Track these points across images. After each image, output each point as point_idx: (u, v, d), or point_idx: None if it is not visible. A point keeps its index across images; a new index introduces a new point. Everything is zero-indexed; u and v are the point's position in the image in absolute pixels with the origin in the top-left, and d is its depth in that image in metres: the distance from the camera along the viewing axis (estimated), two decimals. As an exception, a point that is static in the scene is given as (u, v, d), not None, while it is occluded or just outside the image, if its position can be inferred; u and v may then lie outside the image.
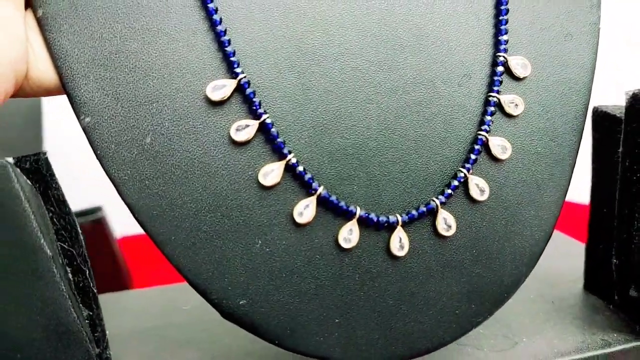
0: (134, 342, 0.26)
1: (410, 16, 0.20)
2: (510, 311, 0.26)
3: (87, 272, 0.18)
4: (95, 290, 0.19)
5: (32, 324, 0.16)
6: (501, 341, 0.24)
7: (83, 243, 0.18)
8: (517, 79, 0.21)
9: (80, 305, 0.18)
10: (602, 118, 0.25)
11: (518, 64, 0.20)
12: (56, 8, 0.18)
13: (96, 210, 0.55)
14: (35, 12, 0.18)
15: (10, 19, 0.17)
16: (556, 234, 0.35)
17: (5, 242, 0.16)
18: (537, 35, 0.21)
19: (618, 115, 0.24)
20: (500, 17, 0.20)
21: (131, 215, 0.18)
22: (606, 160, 0.25)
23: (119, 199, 0.19)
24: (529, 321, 0.27)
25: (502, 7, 0.20)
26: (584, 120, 0.22)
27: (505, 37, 0.20)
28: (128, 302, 0.34)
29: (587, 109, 0.22)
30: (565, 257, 0.33)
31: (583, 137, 0.22)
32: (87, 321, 0.18)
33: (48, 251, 0.16)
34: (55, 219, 0.18)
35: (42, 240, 0.16)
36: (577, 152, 0.22)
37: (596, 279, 0.27)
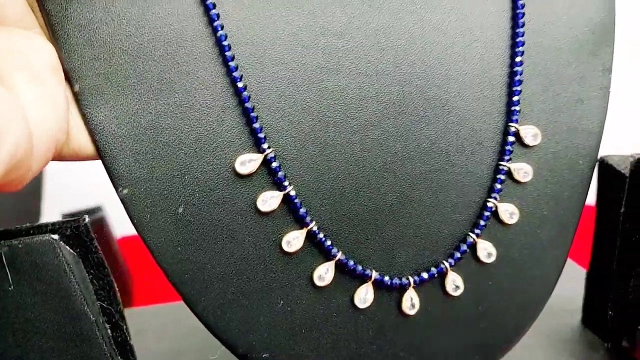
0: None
1: (428, 88, 0.22)
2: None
3: (124, 327, 0.20)
4: (131, 344, 0.21)
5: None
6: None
7: (120, 301, 0.21)
8: (527, 146, 0.22)
9: (120, 358, 0.20)
10: (607, 170, 0.27)
11: (529, 134, 0.22)
12: (92, 83, 0.20)
13: (96, 210, 0.57)
14: (72, 87, 0.20)
15: (54, 90, 0.18)
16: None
17: (53, 310, 0.18)
18: (549, 101, 0.23)
19: (622, 172, 0.26)
20: (514, 88, 0.22)
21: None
22: (609, 209, 0.27)
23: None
24: (526, 357, 0.29)
25: (516, 78, 0.22)
26: (589, 183, 0.24)
27: (517, 108, 0.22)
28: (141, 321, 0.37)
29: (592, 172, 0.24)
30: (564, 283, 0.35)
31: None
32: (125, 373, 0.20)
33: (91, 316, 0.19)
34: (94, 281, 0.20)
35: (86, 307, 0.19)
36: (580, 214, 0.24)
37: (594, 318, 0.30)
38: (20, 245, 0.18)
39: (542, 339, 0.31)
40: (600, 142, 0.24)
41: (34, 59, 0.19)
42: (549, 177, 0.23)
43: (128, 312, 0.39)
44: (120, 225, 0.57)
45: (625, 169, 0.26)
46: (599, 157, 0.28)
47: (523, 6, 0.22)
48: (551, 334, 0.32)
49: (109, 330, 0.20)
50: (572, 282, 0.32)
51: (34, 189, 0.54)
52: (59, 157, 0.20)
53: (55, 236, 0.18)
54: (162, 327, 0.34)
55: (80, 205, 0.54)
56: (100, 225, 0.55)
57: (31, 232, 0.20)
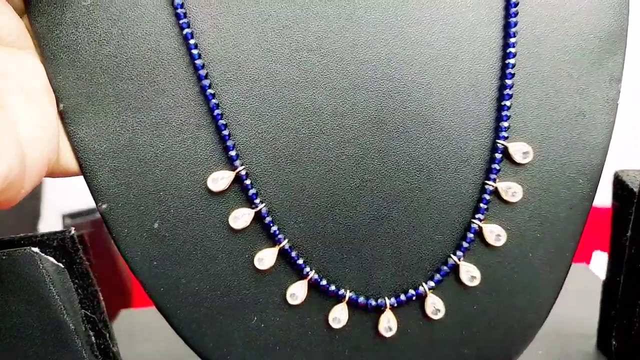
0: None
1: (408, 102, 0.21)
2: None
3: (108, 335, 0.22)
4: (115, 350, 0.22)
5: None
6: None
7: (104, 309, 0.22)
8: (518, 164, 0.21)
9: None
10: (621, 187, 0.25)
11: (519, 151, 0.21)
12: (75, 102, 0.21)
13: (96, 210, 0.58)
14: (57, 106, 0.21)
15: (47, 111, 0.20)
16: (575, 266, 0.34)
17: (36, 318, 0.20)
18: (544, 116, 0.22)
19: (635, 190, 0.24)
20: (503, 102, 0.21)
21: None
22: (622, 229, 0.25)
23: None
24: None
25: (506, 92, 0.21)
26: (591, 203, 0.22)
27: (505, 124, 0.21)
28: (139, 322, 0.38)
29: (595, 191, 0.23)
30: (583, 303, 0.33)
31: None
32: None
33: (71, 325, 0.20)
34: (79, 290, 0.22)
35: (65, 316, 0.20)
36: (581, 235, 0.23)
37: (609, 344, 0.28)
38: (3, 257, 0.19)
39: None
40: (605, 158, 0.23)
41: (28, 79, 0.20)
42: (543, 197, 0.22)
43: (127, 313, 0.41)
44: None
45: (638, 186, 0.24)
46: (615, 170, 0.26)
47: (516, 14, 0.21)
48: (563, 359, 0.30)
49: (92, 338, 0.22)
50: (593, 302, 0.30)
51: (34, 189, 0.58)
52: (50, 174, 0.21)
53: (36, 249, 0.20)
54: (160, 328, 0.35)
55: (80, 206, 0.57)
56: (100, 225, 0.56)
57: (22, 242, 0.21)
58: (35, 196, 0.58)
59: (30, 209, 0.57)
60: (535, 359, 0.31)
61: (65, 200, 0.59)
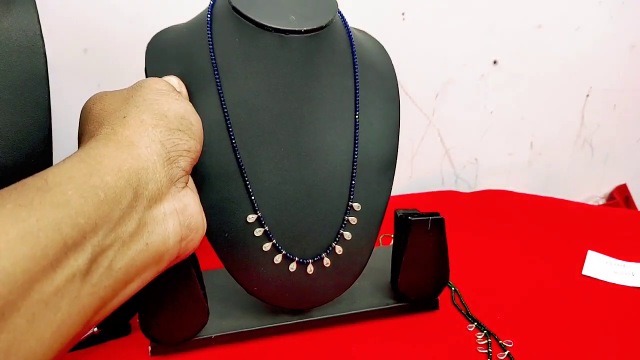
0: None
1: (314, 182, 0.62)
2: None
3: (204, 287, 0.59)
4: (202, 279, 0.60)
5: (189, 299, 0.57)
6: (346, 300, 0.68)
7: (202, 277, 0.59)
8: (356, 210, 0.63)
9: (206, 302, 0.59)
10: (396, 217, 0.69)
11: (355, 206, 0.63)
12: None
13: None
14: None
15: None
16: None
17: (180, 282, 0.57)
18: (368, 194, 0.64)
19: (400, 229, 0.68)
20: (352, 182, 0.62)
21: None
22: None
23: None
24: (362, 290, 0.71)
25: (353, 182, 0.63)
26: (380, 224, 0.65)
27: (352, 195, 0.63)
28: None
29: (382, 217, 0.65)
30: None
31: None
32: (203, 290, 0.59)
33: (199, 285, 0.57)
34: (196, 268, 0.59)
35: (197, 279, 0.57)
36: (377, 237, 0.65)
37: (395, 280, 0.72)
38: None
39: (370, 285, 0.73)
40: (385, 208, 0.65)
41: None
42: (364, 221, 0.64)
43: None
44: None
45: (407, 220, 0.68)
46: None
47: (357, 131, 0.63)
48: (372, 284, 0.74)
49: (199, 280, 0.59)
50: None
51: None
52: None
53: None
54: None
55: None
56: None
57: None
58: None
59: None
60: (358, 283, 0.74)
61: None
